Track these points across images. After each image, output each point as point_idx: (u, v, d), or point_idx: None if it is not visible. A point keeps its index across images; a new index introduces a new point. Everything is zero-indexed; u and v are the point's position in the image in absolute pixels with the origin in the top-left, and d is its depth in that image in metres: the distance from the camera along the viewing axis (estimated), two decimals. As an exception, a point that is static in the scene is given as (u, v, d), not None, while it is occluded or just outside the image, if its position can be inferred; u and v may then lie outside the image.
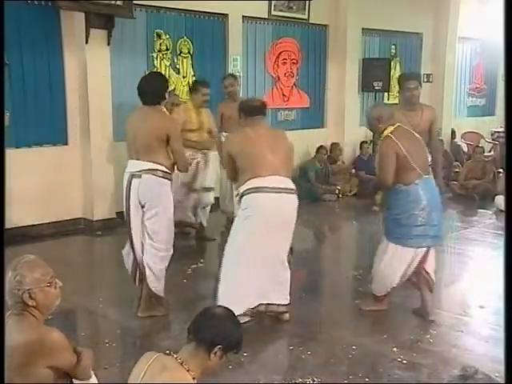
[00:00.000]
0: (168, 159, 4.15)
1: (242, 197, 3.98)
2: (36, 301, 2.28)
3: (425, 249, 4.20)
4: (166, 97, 4.38)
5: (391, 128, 4.12)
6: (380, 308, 4.42)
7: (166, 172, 4.13)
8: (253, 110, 4.14)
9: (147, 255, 4.14)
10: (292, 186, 4.06)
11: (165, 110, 4.54)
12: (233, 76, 6.85)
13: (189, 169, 4.70)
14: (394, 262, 4.19)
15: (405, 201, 4.12)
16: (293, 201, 4.07)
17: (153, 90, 4.20)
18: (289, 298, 4.15)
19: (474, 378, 1.42)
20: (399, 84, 5.10)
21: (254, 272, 3.97)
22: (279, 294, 4.13)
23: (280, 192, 3.95)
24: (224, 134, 6.17)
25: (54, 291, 2.35)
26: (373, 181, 5.07)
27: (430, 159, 4.43)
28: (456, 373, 1.46)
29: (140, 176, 4.07)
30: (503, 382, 1.22)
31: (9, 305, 2.32)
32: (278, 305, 4.12)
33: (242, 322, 3.38)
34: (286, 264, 4.15)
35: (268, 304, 4.09)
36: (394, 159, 4.03)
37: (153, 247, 4.15)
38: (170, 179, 4.19)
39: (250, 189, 3.92)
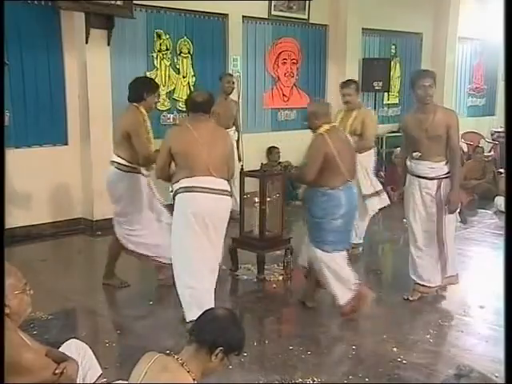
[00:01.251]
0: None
1: (175, 195, 3.96)
2: (10, 308, 2.23)
3: (344, 252, 4.28)
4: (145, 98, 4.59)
5: (326, 126, 4.14)
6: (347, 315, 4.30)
7: (124, 165, 4.60)
8: (194, 105, 4.02)
9: None
10: (226, 187, 3.99)
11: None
12: (230, 74, 7.06)
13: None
14: (339, 268, 4.21)
15: (327, 205, 4.12)
16: (224, 202, 3.99)
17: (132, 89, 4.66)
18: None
19: (469, 376, 1.41)
20: (412, 81, 4.58)
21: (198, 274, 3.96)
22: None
23: (212, 193, 3.89)
24: None
25: (26, 298, 2.31)
26: (295, 173, 4.96)
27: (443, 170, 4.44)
28: (451, 372, 1.45)
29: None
30: (503, 382, 1.21)
31: None
32: None
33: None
34: (215, 274, 4.06)
35: None
36: (322, 158, 4.03)
37: None
38: (128, 171, 4.62)
39: (183, 188, 3.90)
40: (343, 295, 4.21)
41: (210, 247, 3.96)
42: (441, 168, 4.44)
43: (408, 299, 4.60)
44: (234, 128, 7.20)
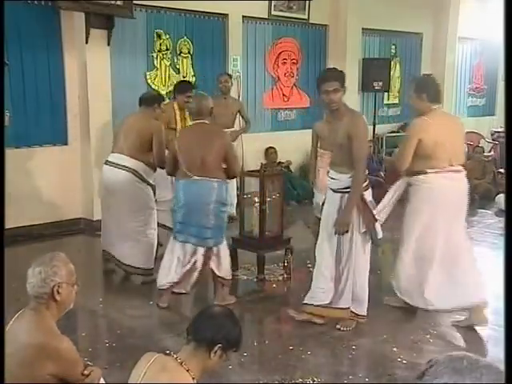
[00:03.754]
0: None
1: None
2: (61, 296, 2.31)
3: (203, 248, 4.32)
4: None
5: (190, 123, 4.53)
6: (160, 303, 4.41)
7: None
8: (140, 100, 5.09)
9: None
10: (127, 163, 4.80)
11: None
12: (227, 74, 7.15)
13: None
14: (168, 254, 4.40)
15: (175, 195, 4.45)
16: (121, 175, 4.80)
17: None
18: None
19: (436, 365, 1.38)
20: (317, 84, 4.09)
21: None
22: None
23: (112, 166, 4.87)
24: None
25: (74, 293, 2.41)
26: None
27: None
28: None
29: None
30: (503, 382, 1.22)
31: (31, 297, 2.32)
32: None
33: None
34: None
35: None
36: (172, 150, 4.40)
37: None
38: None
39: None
40: (161, 279, 4.39)
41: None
42: (343, 181, 3.97)
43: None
44: (232, 128, 7.21)
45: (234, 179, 5.77)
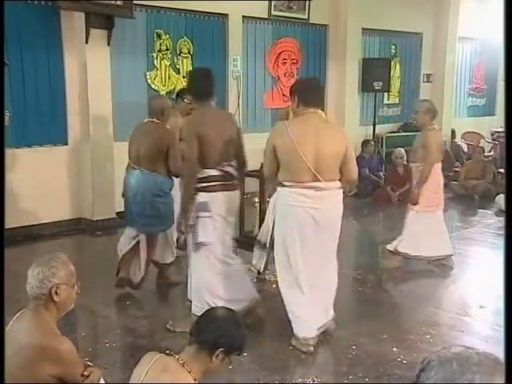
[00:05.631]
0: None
1: None
2: (59, 297, 2.31)
3: (143, 236, 4.58)
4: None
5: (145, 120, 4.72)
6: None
7: None
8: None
9: None
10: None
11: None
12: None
13: None
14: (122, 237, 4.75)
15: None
16: None
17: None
18: None
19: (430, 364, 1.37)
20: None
21: None
22: None
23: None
24: None
25: (74, 294, 2.41)
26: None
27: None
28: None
29: None
30: (503, 381, 1.21)
31: (30, 298, 2.33)
32: None
33: None
34: None
35: None
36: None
37: None
38: None
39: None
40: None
41: None
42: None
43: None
44: None
45: None
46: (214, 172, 3.85)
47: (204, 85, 4.03)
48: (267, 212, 4.68)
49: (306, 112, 3.67)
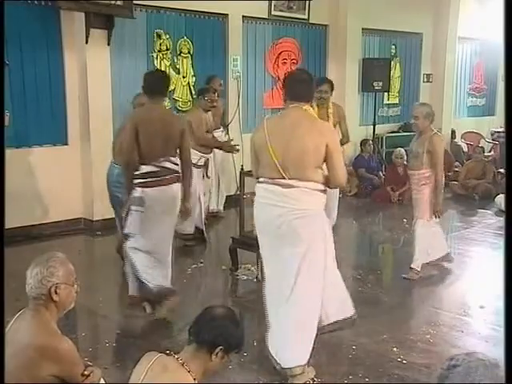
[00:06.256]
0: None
1: None
2: (59, 297, 2.31)
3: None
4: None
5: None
6: None
7: None
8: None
9: None
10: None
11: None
12: (219, 77, 7.34)
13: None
14: None
15: None
16: None
17: None
18: None
19: (463, 364, 1.38)
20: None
21: None
22: None
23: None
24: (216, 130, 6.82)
25: (73, 293, 2.40)
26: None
27: None
28: (445, 365, 1.43)
29: None
30: (503, 381, 1.21)
31: (30, 298, 2.33)
32: None
33: None
34: None
35: None
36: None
37: None
38: None
39: None
40: None
41: None
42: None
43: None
44: (221, 128, 7.26)
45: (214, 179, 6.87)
46: (149, 168, 4.07)
47: (151, 85, 4.23)
48: None
49: (289, 107, 3.46)
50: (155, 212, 4.07)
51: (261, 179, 3.42)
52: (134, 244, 4.15)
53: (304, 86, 3.49)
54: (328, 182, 3.36)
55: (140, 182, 4.07)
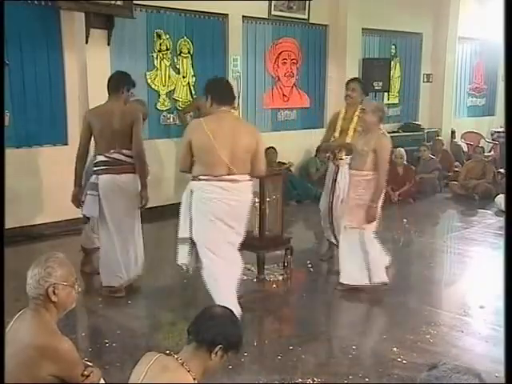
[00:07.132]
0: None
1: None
2: (58, 297, 2.31)
3: None
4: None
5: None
6: None
7: None
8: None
9: None
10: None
11: None
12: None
13: None
14: None
15: None
16: None
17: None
18: None
19: (439, 368, 1.38)
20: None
21: None
22: None
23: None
24: None
25: (73, 294, 2.40)
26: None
27: None
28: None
29: None
30: (503, 381, 1.21)
31: (29, 298, 2.33)
32: None
33: None
34: None
35: None
36: None
37: None
38: None
39: None
40: None
41: None
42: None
43: None
44: None
45: None
46: (101, 158, 4.57)
47: (112, 82, 4.78)
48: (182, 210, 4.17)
49: (219, 110, 3.91)
50: (107, 197, 4.56)
51: (204, 177, 3.83)
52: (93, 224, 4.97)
53: (228, 90, 4.02)
54: (252, 173, 3.97)
55: (94, 170, 4.61)
